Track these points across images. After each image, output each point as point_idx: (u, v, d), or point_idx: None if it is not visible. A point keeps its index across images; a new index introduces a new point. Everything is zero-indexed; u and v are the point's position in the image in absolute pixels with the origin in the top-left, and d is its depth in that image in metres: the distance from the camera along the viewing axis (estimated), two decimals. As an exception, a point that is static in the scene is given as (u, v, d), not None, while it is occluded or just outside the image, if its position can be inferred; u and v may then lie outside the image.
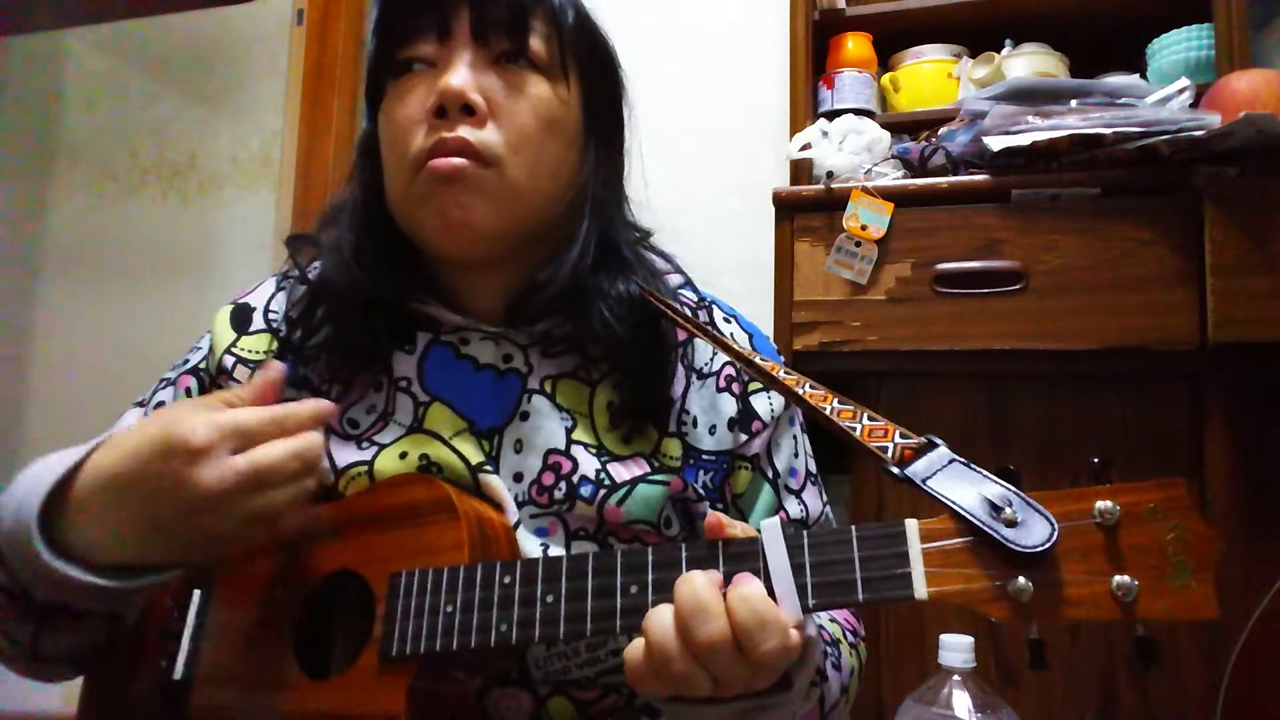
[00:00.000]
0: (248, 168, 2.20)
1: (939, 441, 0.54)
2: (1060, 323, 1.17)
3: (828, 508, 0.81)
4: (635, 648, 0.51)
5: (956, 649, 0.59)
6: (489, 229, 0.68)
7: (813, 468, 0.80)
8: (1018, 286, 1.19)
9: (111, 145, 2.30)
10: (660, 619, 0.50)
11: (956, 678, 0.59)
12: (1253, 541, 1.09)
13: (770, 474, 0.75)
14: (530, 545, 0.66)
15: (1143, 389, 1.17)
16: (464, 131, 0.66)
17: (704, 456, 0.72)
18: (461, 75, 0.67)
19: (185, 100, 2.27)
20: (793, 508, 0.76)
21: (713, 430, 0.73)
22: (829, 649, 0.70)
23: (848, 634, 0.76)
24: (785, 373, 0.64)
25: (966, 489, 0.50)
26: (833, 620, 0.76)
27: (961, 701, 0.58)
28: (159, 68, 2.30)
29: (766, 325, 1.18)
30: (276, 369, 0.62)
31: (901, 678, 1.20)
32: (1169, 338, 1.12)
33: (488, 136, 0.67)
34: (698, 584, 0.50)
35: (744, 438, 0.74)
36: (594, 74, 0.75)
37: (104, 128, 2.31)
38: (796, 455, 0.78)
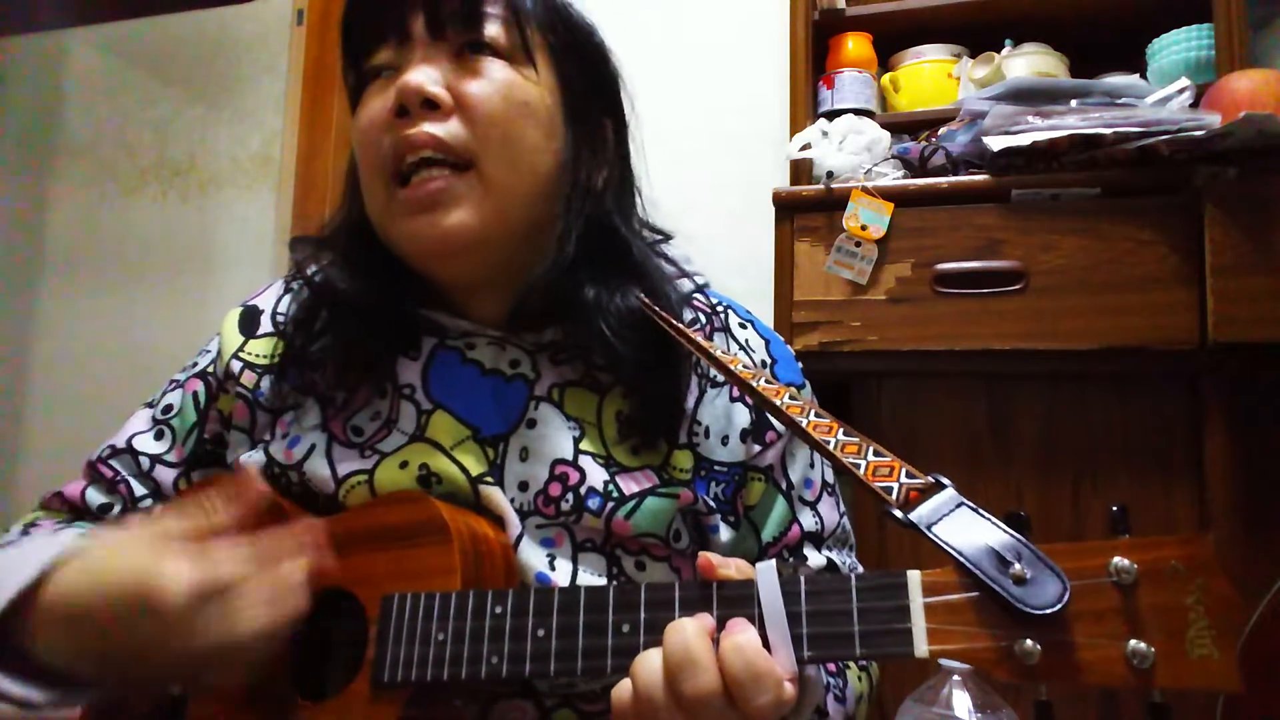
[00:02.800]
0: (248, 168, 2.19)
1: (946, 482, 0.52)
2: (1060, 323, 1.17)
3: (844, 518, 0.78)
4: (623, 691, 0.50)
5: (956, 649, 0.59)
6: (471, 236, 0.65)
7: (830, 477, 0.78)
8: (1018, 286, 1.19)
9: (111, 145, 2.30)
10: (649, 667, 0.49)
11: (956, 678, 0.59)
12: (1253, 541, 1.09)
13: (784, 485, 0.73)
14: (536, 556, 0.65)
15: (1143, 389, 1.17)
16: (430, 127, 0.64)
17: (716, 468, 0.70)
18: (418, 71, 0.65)
19: (185, 100, 2.27)
20: (807, 520, 0.74)
21: (725, 441, 0.71)
22: (832, 680, 0.68)
23: None
24: (790, 398, 0.61)
25: (973, 537, 0.48)
26: None
27: (961, 701, 0.58)
28: (159, 68, 2.30)
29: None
30: (253, 481, 0.57)
31: (901, 678, 1.20)
32: (1169, 338, 1.12)
33: (456, 129, 0.64)
34: (688, 633, 0.48)
35: (757, 449, 0.72)
36: (569, 57, 0.71)
37: (104, 128, 2.31)
38: (812, 465, 0.76)
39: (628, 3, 1.88)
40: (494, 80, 0.66)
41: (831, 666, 0.69)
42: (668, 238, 0.78)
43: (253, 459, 0.69)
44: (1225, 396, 1.12)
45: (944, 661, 0.59)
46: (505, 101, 0.66)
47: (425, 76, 0.64)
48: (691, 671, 0.47)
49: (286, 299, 0.77)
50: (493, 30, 0.67)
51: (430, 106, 0.64)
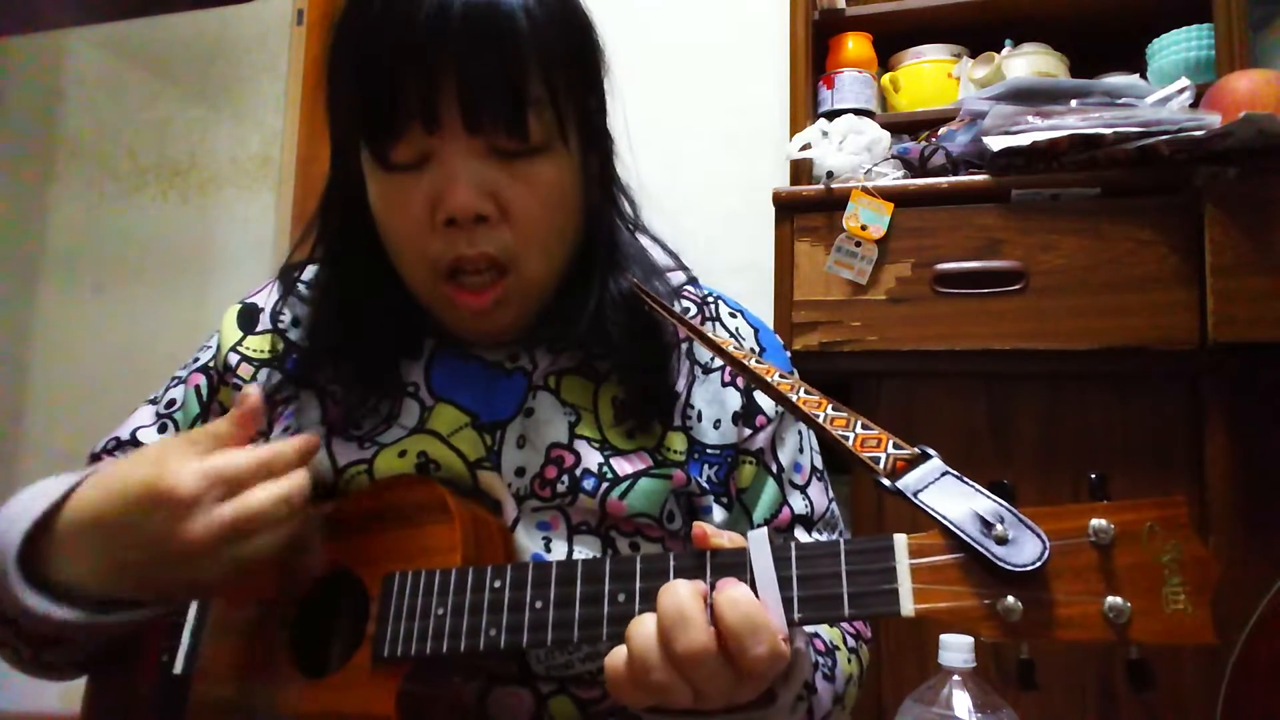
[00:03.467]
0: (248, 168, 2.20)
1: (932, 453, 0.53)
2: (1060, 323, 1.17)
3: (833, 503, 0.80)
4: (616, 655, 0.51)
5: (956, 649, 0.59)
6: (513, 325, 0.70)
7: (818, 463, 0.80)
8: (1018, 286, 1.19)
9: (111, 145, 2.30)
10: (642, 628, 0.50)
11: (956, 678, 0.59)
12: (1253, 541, 1.09)
13: (774, 469, 0.75)
14: (532, 540, 0.66)
15: (1143, 389, 1.17)
16: (484, 244, 0.64)
17: (708, 451, 0.72)
18: (466, 183, 0.62)
19: (185, 100, 2.27)
20: (797, 503, 0.75)
21: (717, 424, 0.73)
22: (821, 659, 0.69)
23: (848, 639, 0.75)
24: (780, 377, 0.62)
25: (958, 503, 0.49)
26: (831, 626, 0.75)
27: (961, 701, 0.58)
28: (159, 68, 2.30)
29: (766, 325, 1.18)
30: (254, 397, 0.59)
31: (901, 678, 1.20)
32: (1169, 338, 1.12)
33: (503, 242, 0.65)
34: (681, 593, 0.49)
35: (748, 432, 0.73)
36: (580, 76, 0.69)
37: (104, 128, 2.31)
38: (801, 450, 0.78)
39: (628, 3, 1.88)
40: (537, 187, 0.65)
41: (821, 647, 0.70)
42: (637, 212, 0.79)
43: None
44: (1225, 396, 1.12)
45: (945, 662, 0.60)
46: (548, 209, 0.66)
47: (474, 192, 0.63)
48: (684, 629, 0.48)
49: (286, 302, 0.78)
50: (534, 123, 0.63)
51: (479, 219, 0.64)
